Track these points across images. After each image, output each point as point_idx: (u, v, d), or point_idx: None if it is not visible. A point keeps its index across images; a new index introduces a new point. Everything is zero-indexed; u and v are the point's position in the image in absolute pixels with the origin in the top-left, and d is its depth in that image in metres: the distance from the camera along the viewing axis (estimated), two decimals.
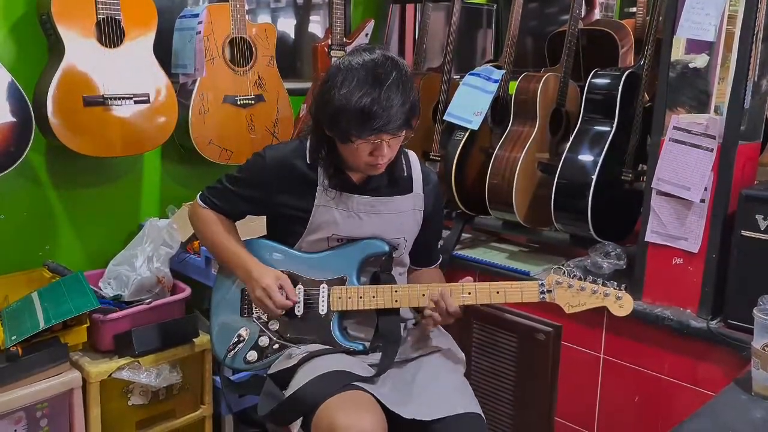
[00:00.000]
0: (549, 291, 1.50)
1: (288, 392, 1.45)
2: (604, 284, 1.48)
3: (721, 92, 1.70)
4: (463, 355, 1.67)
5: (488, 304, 1.54)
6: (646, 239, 1.82)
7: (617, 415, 1.93)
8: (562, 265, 1.98)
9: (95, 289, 2.07)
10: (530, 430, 2.12)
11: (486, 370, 2.20)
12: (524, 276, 2.07)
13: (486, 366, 2.19)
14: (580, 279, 1.49)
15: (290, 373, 1.50)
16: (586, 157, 1.95)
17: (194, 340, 2.00)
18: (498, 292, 1.51)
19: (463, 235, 2.39)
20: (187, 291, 2.10)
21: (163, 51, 2.22)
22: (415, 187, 1.66)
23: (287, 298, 1.56)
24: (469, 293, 1.52)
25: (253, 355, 1.60)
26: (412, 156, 1.70)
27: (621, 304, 1.46)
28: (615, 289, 1.47)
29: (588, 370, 1.97)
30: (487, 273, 2.17)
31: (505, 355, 2.15)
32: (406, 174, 1.66)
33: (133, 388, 1.89)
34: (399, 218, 1.64)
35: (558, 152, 2.19)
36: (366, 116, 1.39)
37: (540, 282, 1.51)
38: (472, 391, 1.55)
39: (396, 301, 1.56)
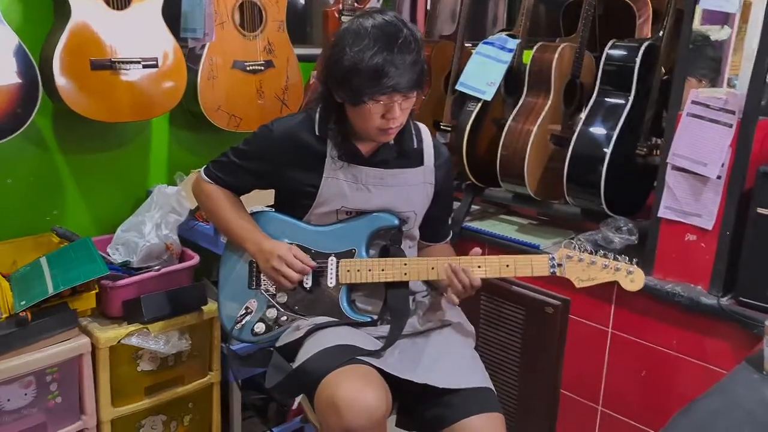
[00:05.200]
0: (559, 265, 1.48)
1: (295, 365, 1.45)
2: (615, 259, 1.46)
3: (734, 65, 1.66)
4: (473, 328, 1.66)
5: (498, 277, 1.53)
6: (659, 215, 1.80)
7: (623, 389, 1.94)
8: (573, 239, 1.97)
9: (103, 255, 2.07)
10: (536, 402, 2.14)
11: (493, 342, 2.20)
12: (534, 249, 2.06)
13: (493, 338, 2.19)
14: (590, 253, 1.47)
15: (297, 345, 1.50)
16: (601, 130, 1.92)
17: (203, 307, 2.00)
18: (508, 266, 1.50)
19: (472, 207, 2.37)
20: (196, 259, 2.09)
21: (172, 14, 2.17)
22: (426, 161, 1.64)
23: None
24: (479, 267, 1.51)
25: (260, 327, 1.60)
26: (424, 129, 1.67)
27: (632, 278, 1.44)
28: (626, 263, 1.45)
29: (595, 343, 1.98)
30: (497, 246, 2.16)
31: (512, 328, 2.15)
32: (416, 147, 1.63)
33: (142, 354, 1.90)
34: (409, 191, 1.62)
35: (571, 124, 2.16)
36: (379, 74, 1.37)
37: (550, 256, 1.49)
38: (483, 366, 1.54)
39: (405, 274, 1.55)
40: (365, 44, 1.38)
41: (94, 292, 1.85)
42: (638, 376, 1.90)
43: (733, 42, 1.65)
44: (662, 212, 1.79)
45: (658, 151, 1.98)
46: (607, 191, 1.89)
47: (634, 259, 1.46)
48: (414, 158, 1.63)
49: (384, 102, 1.43)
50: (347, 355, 1.39)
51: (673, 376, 1.82)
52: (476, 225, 2.27)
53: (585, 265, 1.46)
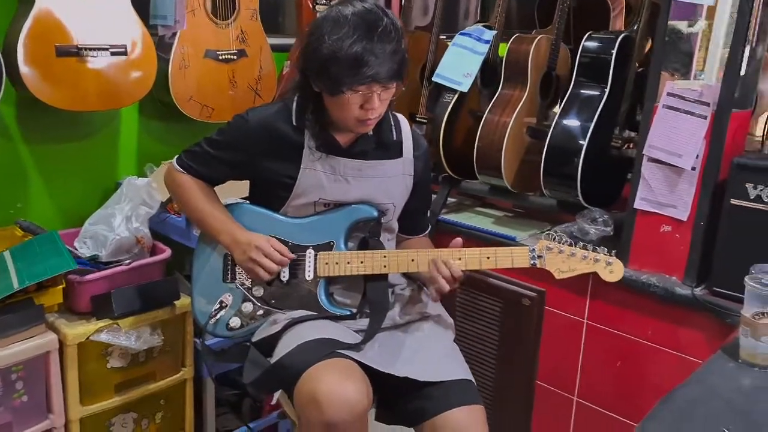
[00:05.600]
0: (540, 256, 1.48)
1: (273, 359, 1.42)
2: (594, 250, 1.47)
3: (699, 61, 1.69)
4: (452, 320, 1.65)
5: (477, 270, 1.52)
6: (634, 206, 1.81)
7: (598, 379, 1.95)
8: (551, 231, 1.97)
9: (70, 248, 2.01)
10: (512, 394, 2.14)
11: (469, 334, 2.20)
12: (510, 241, 2.06)
13: (469, 330, 2.19)
14: (570, 245, 1.48)
15: (275, 339, 1.47)
16: (577, 122, 1.92)
17: (175, 302, 1.95)
18: (488, 258, 1.49)
19: (448, 199, 2.36)
20: (168, 252, 2.04)
21: (141, 1, 2.11)
22: (405, 152, 1.62)
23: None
24: (460, 259, 1.50)
25: (236, 322, 1.57)
26: (402, 120, 1.65)
27: (611, 269, 1.45)
28: (605, 255, 1.46)
29: (571, 335, 1.98)
30: (473, 238, 2.15)
31: (488, 320, 2.15)
32: (395, 138, 1.61)
33: (112, 351, 1.84)
34: (387, 183, 1.60)
35: (547, 117, 2.16)
36: (358, 63, 1.35)
37: (531, 248, 1.49)
38: (463, 357, 1.54)
39: (384, 266, 1.53)
40: (344, 32, 1.36)
41: (61, 287, 1.79)
42: (613, 366, 1.91)
43: (699, 38, 1.67)
44: (638, 203, 1.80)
45: (632, 144, 2.01)
46: (583, 183, 1.90)
47: (613, 251, 1.47)
48: (393, 149, 1.61)
49: (363, 92, 1.40)
50: (327, 348, 1.37)
51: (648, 366, 1.84)
52: (452, 217, 2.26)
53: (565, 256, 1.46)
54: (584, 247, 1.47)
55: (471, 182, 2.31)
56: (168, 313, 1.93)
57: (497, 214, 2.33)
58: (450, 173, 2.25)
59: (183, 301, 1.96)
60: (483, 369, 2.18)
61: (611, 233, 1.92)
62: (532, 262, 1.48)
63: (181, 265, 2.18)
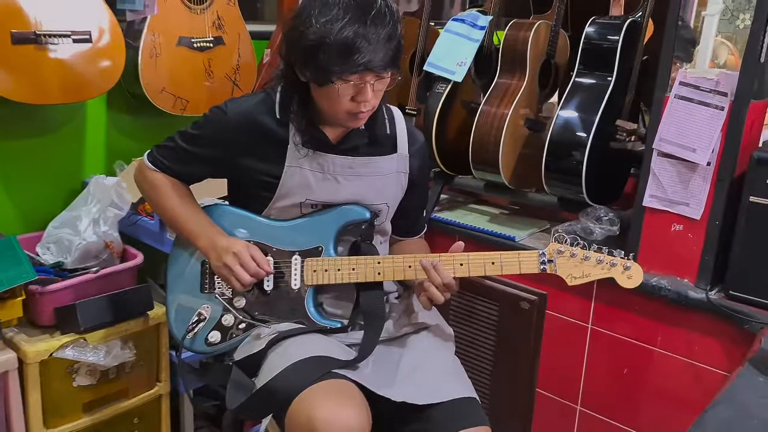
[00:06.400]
0: (550, 261, 1.35)
1: (259, 380, 1.28)
2: (610, 253, 1.34)
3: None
4: (452, 330, 1.52)
5: (482, 276, 1.39)
6: (643, 204, 1.69)
7: (604, 387, 1.84)
8: (556, 231, 1.85)
9: (32, 255, 1.84)
10: (510, 402, 2.02)
11: (464, 340, 2.07)
12: (509, 241, 1.93)
13: (464, 335, 2.06)
14: (583, 247, 1.35)
15: (260, 357, 1.33)
16: (581, 115, 1.79)
17: (148, 312, 1.80)
18: (493, 263, 1.36)
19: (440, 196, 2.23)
20: (139, 257, 1.88)
21: None
22: (400, 148, 1.48)
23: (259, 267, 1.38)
24: (461, 264, 1.37)
25: (215, 336, 1.42)
26: (397, 113, 1.51)
27: (629, 274, 1.32)
28: (622, 258, 1.33)
29: (574, 340, 1.87)
30: (469, 238, 2.02)
31: (484, 325, 2.03)
32: (389, 132, 1.47)
33: (78, 368, 1.68)
34: (381, 181, 1.46)
35: (546, 109, 2.04)
36: (349, 50, 1.20)
37: (540, 252, 1.36)
38: (465, 372, 1.41)
39: (379, 273, 1.40)
40: (334, 14, 1.21)
41: (20, 299, 1.64)
42: (620, 374, 1.80)
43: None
44: (647, 201, 1.69)
45: (633, 137, 1.90)
46: (588, 179, 1.77)
47: (630, 254, 1.34)
48: (386, 145, 1.47)
49: (355, 82, 1.26)
50: (321, 368, 1.23)
51: (658, 374, 1.73)
52: (445, 215, 2.12)
53: (578, 260, 1.33)
54: (599, 250, 1.34)
55: (465, 178, 2.18)
56: (140, 324, 1.78)
57: (493, 211, 2.20)
58: (443, 168, 2.11)
59: (157, 311, 1.81)
60: (479, 376, 2.06)
61: (617, 233, 1.81)
62: (541, 267, 1.35)
63: (155, 272, 2.02)
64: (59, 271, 1.81)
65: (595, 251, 1.33)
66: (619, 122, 1.86)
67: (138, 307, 1.78)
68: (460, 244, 1.38)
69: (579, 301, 1.84)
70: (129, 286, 1.83)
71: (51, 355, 1.62)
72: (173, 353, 1.85)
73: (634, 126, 1.92)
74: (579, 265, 1.33)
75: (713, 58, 1.64)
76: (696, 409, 1.70)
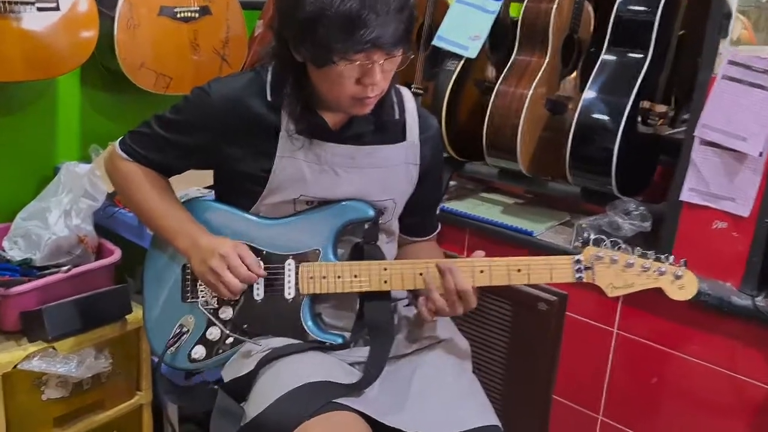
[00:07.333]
0: (587, 268, 1.16)
1: (249, 408, 1.11)
2: (657, 259, 1.15)
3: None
4: (467, 344, 1.34)
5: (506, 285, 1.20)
6: (681, 198, 1.51)
7: (629, 397, 1.69)
8: (581, 225, 1.67)
9: None
10: (524, 409, 1.86)
11: (474, 341, 1.90)
12: (526, 236, 1.75)
13: (474, 336, 1.89)
14: (625, 251, 1.16)
15: (250, 379, 1.15)
16: (611, 97, 1.60)
17: (126, 316, 1.61)
18: (519, 271, 1.17)
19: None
20: (117, 254, 1.70)
21: None
22: (410, 135, 1.28)
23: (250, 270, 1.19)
24: (482, 271, 1.18)
25: (199, 352, 1.25)
26: (407, 94, 1.31)
27: (681, 284, 1.14)
28: (672, 264, 1.14)
29: (597, 345, 1.71)
30: (480, 231, 1.85)
31: (496, 327, 1.86)
32: (397, 117, 1.28)
33: (47, 380, 1.51)
34: (387, 174, 1.26)
35: (565, 87, 1.84)
36: (353, 23, 1.01)
37: (575, 258, 1.17)
38: (484, 393, 1.24)
39: (385, 282, 1.21)
40: None
41: None
42: (648, 383, 1.64)
43: None
44: (685, 195, 1.51)
45: (662, 120, 1.71)
46: (618, 169, 1.59)
47: (682, 259, 1.16)
48: (394, 132, 1.27)
49: (360, 62, 1.06)
50: (319, 398, 1.06)
51: (692, 385, 1.57)
52: (454, 206, 1.94)
53: (619, 268, 1.14)
54: (644, 255, 1.15)
55: (475, 164, 1.99)
56: (117, 329, 1.60)
57: (506, 201, 2.02)
58: (452, 154, 1.92)
59: (136, 314, 1.63)
60: (490, 381, 1.89)
61: (648, 229, 1.63)
62: (577, 276, 1.16)
63: (134, 270, 1.83)
64: (27, 268, 1.63)
65: (639, 256, 1.14)
66: (649, 105, 1.67)
67: (114, 310, 1.60)
68: (481, 252, 1.19)
69: (603, 303, 1.67)
70: (105, 286, 1.64)
71: (15, 367, 1.44)
72: (155, 359, 1.68)
73: (665, 109, 1.73)
74: (620, 273, 1.14)
75: None
76: (735, 425, 1.55)
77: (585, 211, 1.90)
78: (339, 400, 1.07)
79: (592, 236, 1.71)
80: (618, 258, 1.15)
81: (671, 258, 1.15)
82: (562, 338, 1.77)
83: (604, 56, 1.65)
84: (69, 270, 1.59)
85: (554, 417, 1.84)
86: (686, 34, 1.70)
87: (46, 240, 1.64)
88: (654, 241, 1.59)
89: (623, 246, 1.16)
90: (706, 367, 1.54)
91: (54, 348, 1.49)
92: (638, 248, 1.16)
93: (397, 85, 1.31)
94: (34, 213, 1.71)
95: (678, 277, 1.13)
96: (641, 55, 1.59)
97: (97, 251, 1.72)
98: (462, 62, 1.83)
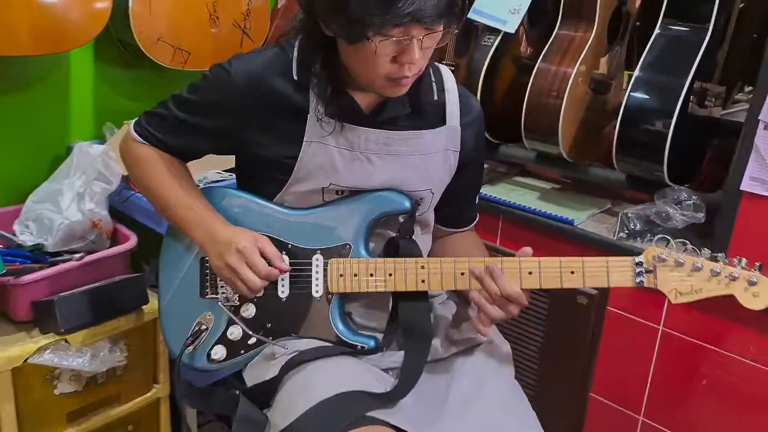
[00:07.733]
0: (649, 271, 1.05)
1: (273, 416, 1.02)
2: (728, 262, 1.03)
3: None
4: (509, 346, 1.24)
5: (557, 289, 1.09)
6: (741, 188, 1.39)
7: (674, 398, 1.59)
8: (626, 214, 1.55)
9: (8, 235, 1.58)
10: (559, 406, 1.77)
11: (507, 334, 1.80)
12: (566, 225, 1.64)
13: (507, 329, 1.79)
14: (692, 253, 1.04)
15: (274, 385, 1.06)
16: (667, 76, 1.46)
17: (143, 307, 1.53)
18: (573, 273, 1.06)
19: None
20: (133, 240, 1.61)
21: None
22: (450, 118, 1.17)
23: (271, 266, 1.09)
24: (530, 273, 1.07)
25: (219, 352, 1.16)
26: (447, 74, 1.20)
27: (755, 291, 1.02)
28: (744, 269, 1.03)
29: (641, 343, 1.61)
30: (515, 219, 1.74)
31: (532, 319, 1.76)
32: (437, 98, 1.16)
33: (60, 374, 1.43)
34: (425, 161, 1.16)
35: (611, 65, 1.71)
36: None
37: (636, 260, 1.05)
38: (527, 402, 1.14)
39: (423, 281, 1.11)
40: None
41: None
42: (697, 385, 1.54)
43: None
44: (746, 184, 1.38)
45: (713, 100, 1.58)
46: (671, 156, 1.46)
47: (757, 263, 1.04)
48: (433, 115, 1.16)
49: (397, 38, 0.95)
50: (353, 410, 0.97)
51: (746, 389, 1.47)
52: (486, 191, 1.82)
53: (685, 271, 1.03)
54: (713, 258, 1.03)
55: (511, 147, 1.87)
56: (133, 321, 1.52)
57: (543, 186, 1.90)
58: (487, 136, 1.80)
59: (153, 305, 1.55)
60: (524, 375, 1.80)
61: (702, 220, 1.51)
62: (638, 280, 1.05)
63: (150, 258, 1.74)
64: (39, 254, 1.55)
65: (708, 259, 1.03)
66: (703, 85, 1.54)
67: (130, 301, 1.52)
68: (528, 249, 1.08)
69: (649, 298, 1.57)
70: (120, 275, 1.56)
71: (26, 361, 1.37)
72: (173, 353, 1.60)
73: (722, 89, 1.60)
74: (687, 277, 1.03)
75: None
76: None
77: (627, 199, 1.78)
78: (373, 413, 0.97)
79: (638, 227, 1.61)
80: (684, 261, 1.03)
81: (744, 261, 1.04)
82: (602, 334, 1.67)
83: (658, 31, 1.51)
84: (82, 257, 1.51)
85: (591, 416, 1.75)
86: (746, 8, 1.56)
87: (58, 225, 1.55)
88: (708, 234, 1.48)
89: (689, 247, 1.04)
90: (761, 370, 1.43)
91: (66, 341, 1.41)
92: (706, 249, 1.04)
93: (436, 63, 1.19)
94: (46, 195, 1.62)
95: (752, 284, 1.01)
96: (701, 30, 1.45)
97: (111, 237, 1.63)
98: (499, 37, 1.70)
